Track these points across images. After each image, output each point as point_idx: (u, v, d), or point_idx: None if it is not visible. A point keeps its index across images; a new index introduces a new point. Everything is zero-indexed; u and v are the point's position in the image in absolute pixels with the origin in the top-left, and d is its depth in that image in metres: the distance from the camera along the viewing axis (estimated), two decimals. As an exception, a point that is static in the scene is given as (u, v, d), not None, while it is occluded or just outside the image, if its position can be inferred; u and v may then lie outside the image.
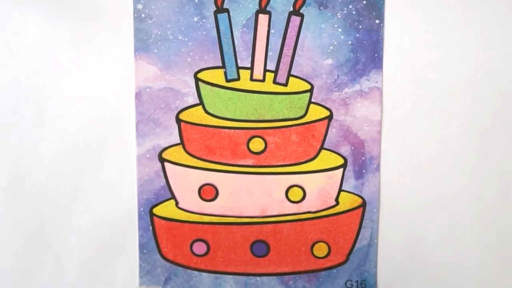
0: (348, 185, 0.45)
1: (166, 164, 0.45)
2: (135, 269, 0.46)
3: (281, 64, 0.44)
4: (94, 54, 0.44)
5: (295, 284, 0.46)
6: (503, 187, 0.45)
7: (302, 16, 0.43)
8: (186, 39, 0.43)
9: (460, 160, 0.45)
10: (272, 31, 0.43)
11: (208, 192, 0.45)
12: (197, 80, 0.44)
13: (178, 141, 0.45)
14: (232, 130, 0.44)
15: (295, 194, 0.45)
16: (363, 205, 0.45)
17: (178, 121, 0.44)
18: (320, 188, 0.45)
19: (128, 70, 0.44)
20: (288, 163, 0.45)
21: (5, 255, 0.46)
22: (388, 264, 0.46)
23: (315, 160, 0.45)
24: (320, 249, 0.46)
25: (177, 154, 0.45)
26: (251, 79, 0.44)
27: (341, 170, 0.45)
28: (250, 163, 0.45)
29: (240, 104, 0.44)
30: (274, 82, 0.44)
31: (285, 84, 0.44)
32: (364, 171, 0.45)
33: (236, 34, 0.44)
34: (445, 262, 0.46)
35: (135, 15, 0.43)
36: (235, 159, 0.45)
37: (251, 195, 0.45)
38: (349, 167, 0.45)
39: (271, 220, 0.45)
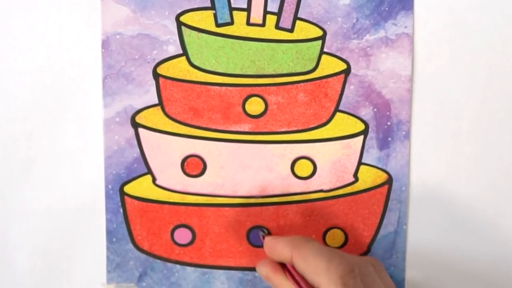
0: (370, 157, 0.42)
1: (140, 130, 0.42)
2: (102, 263, 0.43)
3: (285, 4, 0.41)
4: (50, -9, 0.42)
5: (303, 281, 0.43)
6: None
7: None
8: (165, -28, 0.41)
9: (510, 126, 0.42)
10: (274, -39, 0.41)
11: (194, 166, 0.42)
12: (179, 24, 0.41)
13: (156, 101, 0.42)
14: (223, 88, 0.42)
15: (303, 168, 0.42)
16: (389, 182, 0.42)
17: (156, 76, 0.42)
18: (334, 160, 0.42)
19: (93, 12, 0.42)
20: (295, 129, 0.42)
21: None
22: (420, 256, 0.43)
23: (328, 126, 0.42)
24: (335, 238, 0.43)
25: (154, 117, 0.42)
26: (248, 23, 0.41)
27: (361, 138, 0.42)
28: (246, 129, 0.42)
29: (234, 54, 0.41)
30: (277, 27, 0.41)
31: (291, 30, 0.41)
32: (390, 139, 0.42)
33: (228, -35, 0.41)
34: (493, 253, 0.43)
35: None
36: (228, 124, 0.42)
37: (247, 170, 0.42)
38: (371, 134, 0.42)
39: (273, 201, 0.42)
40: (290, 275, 0.35)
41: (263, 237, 0.40)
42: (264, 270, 0.37)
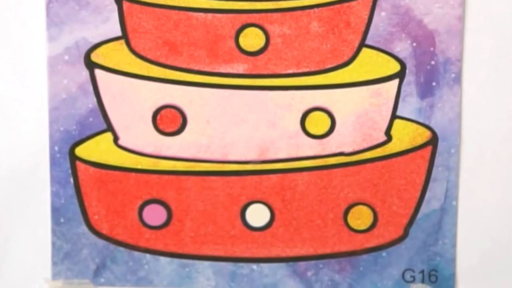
0: (408, 108, 0.38)
1: (98, 72, 0.38)
2: (46, 251, 0.39)
3: None
4: None
5: (316, 277, 0.40)
6: None
7: None
8: None
9: None
10: None
11: (170, 120, 0.38)
12: None
13: (119, 33, 0.38)
14: (210, 15, 0.37)
15: (318, 123, 0.38)
16: (433, 141, 0.38)
17: (119, -2, 0.38)
18: (359, 113, 0.38)
19: None
20: (306, 70, 0.38)
21: None
22: (475, 242, 0.38)
23: (351, 66, 0.38)
24: (360, 217, 0.39)
25: (116, 55, 0.38)
26: None
27: (395, 82, 0.37)
28: (241, 71, 0.38)
29: (223, -30, 0.37)
30: None
31: None
32: (434, 84, 0.37)
33: None
34: None
35: None
36: (216, 63, 0.38)
37: (242, 125, 0.38)
38: (410, 78, 0.38)
39: (276, 168, 0.38)
40: None
41: None
42: None
